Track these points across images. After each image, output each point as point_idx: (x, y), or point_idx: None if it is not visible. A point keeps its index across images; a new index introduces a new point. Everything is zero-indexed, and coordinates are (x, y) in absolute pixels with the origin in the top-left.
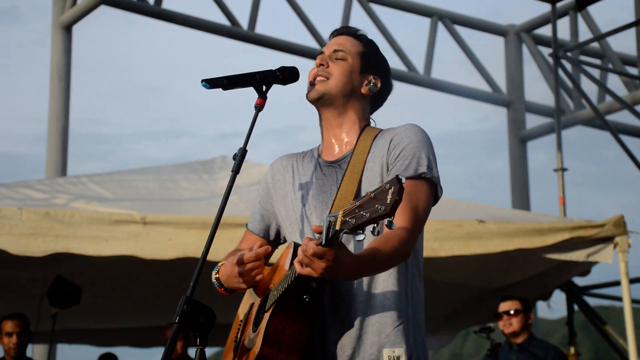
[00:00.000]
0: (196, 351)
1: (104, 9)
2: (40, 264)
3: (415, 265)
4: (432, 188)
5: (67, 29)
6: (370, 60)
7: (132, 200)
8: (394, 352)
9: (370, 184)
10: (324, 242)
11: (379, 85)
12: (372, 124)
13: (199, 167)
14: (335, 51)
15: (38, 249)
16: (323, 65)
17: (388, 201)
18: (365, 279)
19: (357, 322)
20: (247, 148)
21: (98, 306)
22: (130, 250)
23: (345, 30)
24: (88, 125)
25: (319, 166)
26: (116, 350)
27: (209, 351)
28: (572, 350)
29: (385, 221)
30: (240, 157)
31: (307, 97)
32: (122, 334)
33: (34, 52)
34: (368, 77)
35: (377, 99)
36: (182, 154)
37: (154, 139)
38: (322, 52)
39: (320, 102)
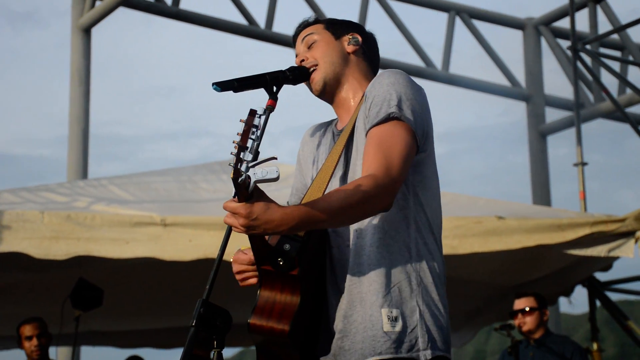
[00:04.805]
0: (213, 354)
1: (122, 11)
2: (63, 267)
3: (423, 220)
4: (410, 129)
5: (87, 31)
6: (336, 25)
7: (152, 202)
8: (391, 312)
9: (360, 143)
10: (233, 196)
11: (359, 37)
12: None
13: (217, 167)
14: (302, 43)
15: (60, 252)
16: (304, 60)
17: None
18: (356, 239)
19: (357, 285)
20: (259, 150)
21: (120, 308)
22: (151, 252)
23: (300, 27)
24: (108, 127)
25: (332, 135)
26: (139, 352)
27: (232, 351)
28: (595, 346)
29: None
30: (252, 158)
31: (315, 95)
32: (145, 335)
33: (55, 54)
34: (345, 38)
35: (369, 53)
36: (203, 154)
37: (174, 139)
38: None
39: (327, 87)
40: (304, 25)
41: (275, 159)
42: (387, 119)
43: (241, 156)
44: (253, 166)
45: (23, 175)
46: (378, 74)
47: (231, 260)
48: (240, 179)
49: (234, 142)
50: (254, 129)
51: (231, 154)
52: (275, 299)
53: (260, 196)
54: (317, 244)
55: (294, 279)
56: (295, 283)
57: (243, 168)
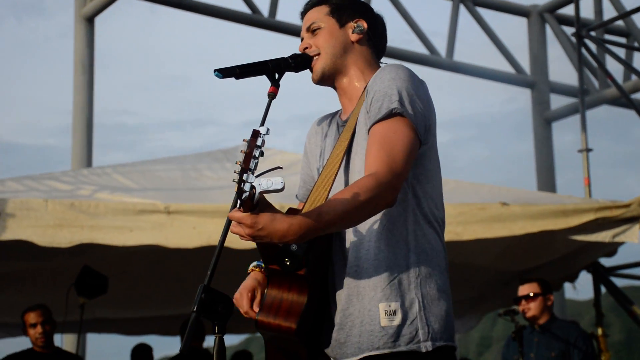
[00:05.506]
0: (215, 339)
1: (125, 0)
2: (67, 255)
3: (420, 212)
4: (412, 124)
5: (90, 20)
6: (341, 11)
7: (156, 190)
8: (389, 306)
9: (360, 137)
10: (238, 206)
11: (364, 25)
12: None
13: (221, 155)
14: (308, 29)
15: (64, 239)
16: (307, 47)
17: (242, 153)
18: (355, 233)
19: (355, 279)
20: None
21: (125, 295)
22: (154, 239)
23: (307, 6)
24: (114, 116)
25: (337, 127)
26: (144, 339)
27: (238, 338)
28: (600, 331)
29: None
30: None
31: (314, 83)
32: (150, 322)
33: (59, 44)
34: (350, 26)
35: (374, 38)
36: (208, 143)
37: (179, 129)
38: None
39: (326, 77)
40: (311, 4)
41: (281, 168)
42: (389, 115)
43: (244, 178)
44: (258, 176)
45: (29, 164)
46: (380, 68)
47: (234, 247)
48: (244, 196)
49: (237, 162)
50: (257, 150)
51: (235, 172)
52: (282, 297)
53: (266, 206)
54: (324, 241)
55: (301, 279)
56: (302, 282)
57: (246, 188)
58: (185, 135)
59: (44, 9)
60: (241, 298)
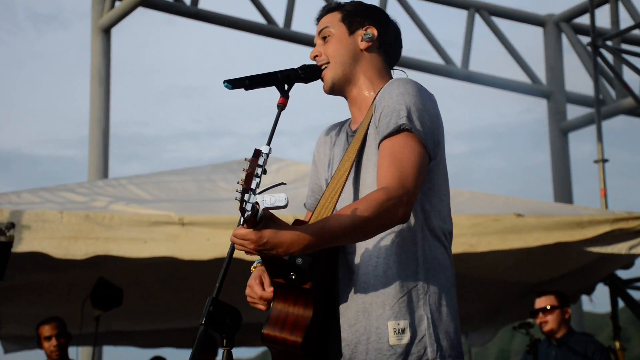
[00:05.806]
0: (223, 352)
1: (142, 11)
2: (82, 267)
3: (428, 227)
4: (421, 140)
5: (106, 31)
6: (352, 17)
7: (171, 202)
8: (398, 324)
9: (370, 152)
10: (241, 223)
11: (374, 32)
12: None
13: (236, 166)
14: (319, 35)
15: (79, 251)
16: (317, 55)
17: (244, 171)
18: (363, 249)
19: (362, 295)
20: (270, 147)
21: (140, 308)
22: (169, 251)
23: (323, 11)
24: (131, 127)
25: (346, 136)
26: (159, 351)
27: (255, 351)
28: (617, 344)
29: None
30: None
31: (326, 93)
32: (166, 335)
33: (78, 55)
34: (359, 33)
35: (386, 46)
36: (224, 154)
37: (195, 139)
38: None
39: (337, 87)
40: (326, 10)
41: (284, 184)
42: (398, 130)
43: (245, 198)
44: (262, 192)
45: (46, 176)
46: (388, 82)
47: (243, 258)
48: (246, 215)
49: (238, 182)
50: (259, 170)
51: (237, 191)
52: (288, 311)
53: (269, 220)
54: (330, 255)
55: (306, 293)
56: (308, 296)
57: (248, 208)
58: (201, 146)
59: (63, 20)
60: (252, 286)
